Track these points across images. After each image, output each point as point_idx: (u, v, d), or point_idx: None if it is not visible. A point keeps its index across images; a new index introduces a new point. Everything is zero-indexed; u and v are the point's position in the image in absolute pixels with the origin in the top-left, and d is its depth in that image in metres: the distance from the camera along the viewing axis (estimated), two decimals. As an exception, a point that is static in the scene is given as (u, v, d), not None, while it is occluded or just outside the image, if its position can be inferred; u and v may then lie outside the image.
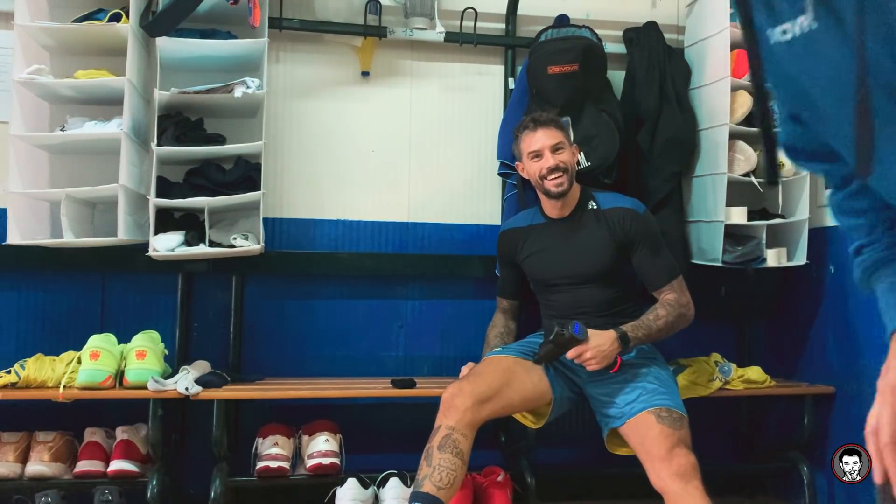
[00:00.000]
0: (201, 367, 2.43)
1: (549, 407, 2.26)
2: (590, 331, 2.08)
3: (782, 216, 2.66)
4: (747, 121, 2.54)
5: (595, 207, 2.33)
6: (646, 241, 2.28)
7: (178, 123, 2.45)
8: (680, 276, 2.30)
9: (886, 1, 0.64)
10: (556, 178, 2.26)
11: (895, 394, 0.83)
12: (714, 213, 2.56)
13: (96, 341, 2.29)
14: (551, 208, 2.36)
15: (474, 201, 2.85)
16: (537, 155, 2.28)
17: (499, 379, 2.15)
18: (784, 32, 0.70)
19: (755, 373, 2.64)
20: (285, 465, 2.36)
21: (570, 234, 2.32)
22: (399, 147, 2.84)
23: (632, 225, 2.27)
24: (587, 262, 2.29)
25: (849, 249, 0.96)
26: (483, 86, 2.88)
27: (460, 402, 2.03)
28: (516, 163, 2.42)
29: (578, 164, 2.47)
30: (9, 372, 2.24)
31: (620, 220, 2.27)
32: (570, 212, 2.35)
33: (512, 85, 2.80)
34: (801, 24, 0.68)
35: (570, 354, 2.09)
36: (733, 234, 2.58)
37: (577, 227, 2.32)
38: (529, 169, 2.32)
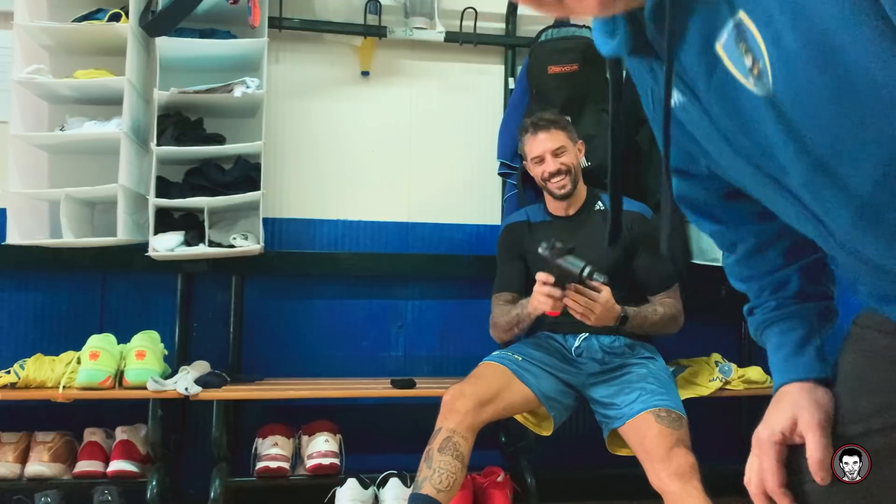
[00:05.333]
0: (201, 367, 2.43)
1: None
2: (605, 289, 2.04)
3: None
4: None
5: (602, 208, 2.34)
6: (651, 245, 2.28)
7: (178, 123, 2.45)
8: (676, 284, 2.32)
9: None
10: (558, 181, 2.28)
11: (759, 444, 0.89)
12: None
13: (96, 341, 2.29)
14: (557, 207, 2.37)
15: (474, 201, 2.85)
16: (539, 160, 2.29)
17: (499, 381, 2.14)
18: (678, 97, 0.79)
19: (755, 373, 2.63)
20: (285, 465, 2.36)
21: (575, 233, 2.30)
22: (399, 147, 2.83)
23: (639, 229, 2.28)
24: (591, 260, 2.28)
25: (743, 309, 1.07)
26: (483, 86, 2.88)
27: (461, 405, 2.03)
28: (524, 161, 2.42)
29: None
30: (8, 372, 2.24)
31: (629, 224, 2.27)
32: (576, 211, 2.36)
33: (512, 85, 2.79)
34: (679, 97, 0.78)
35: (573, 295, 2.02)
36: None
37: (583, 226, 2.32)
38: (533, 172, 2.34)
